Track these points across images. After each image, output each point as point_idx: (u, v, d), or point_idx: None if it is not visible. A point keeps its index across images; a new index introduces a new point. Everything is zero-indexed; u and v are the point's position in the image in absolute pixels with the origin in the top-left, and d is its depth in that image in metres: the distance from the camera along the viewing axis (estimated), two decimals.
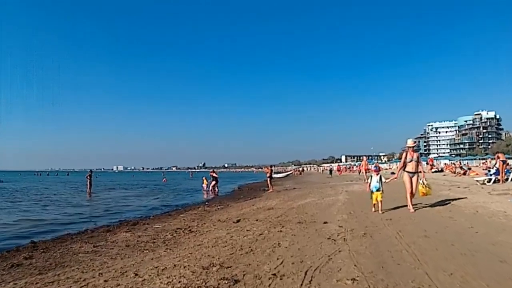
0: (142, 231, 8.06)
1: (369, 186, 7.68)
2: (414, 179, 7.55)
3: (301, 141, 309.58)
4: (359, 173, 31.88)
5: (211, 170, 25.18)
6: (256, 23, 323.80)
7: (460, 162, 30.06)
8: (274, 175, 47.10)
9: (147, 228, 8.52)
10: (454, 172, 21.99)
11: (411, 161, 7.56)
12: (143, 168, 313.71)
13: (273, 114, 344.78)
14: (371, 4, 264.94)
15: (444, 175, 21.41)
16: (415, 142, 7.72)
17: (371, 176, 7.69)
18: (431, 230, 5.54)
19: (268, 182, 19.30)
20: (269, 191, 18.52)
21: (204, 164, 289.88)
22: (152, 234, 7.56)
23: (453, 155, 57.22)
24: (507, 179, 12.95)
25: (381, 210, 7.50)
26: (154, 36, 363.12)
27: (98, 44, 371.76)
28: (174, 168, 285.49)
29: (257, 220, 8.16)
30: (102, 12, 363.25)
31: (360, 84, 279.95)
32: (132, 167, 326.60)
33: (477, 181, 13.70)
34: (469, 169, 21.12)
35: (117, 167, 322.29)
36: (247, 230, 6.81)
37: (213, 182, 22.65)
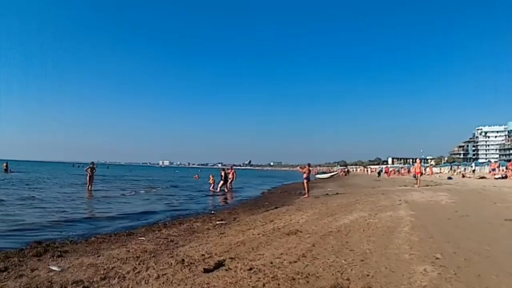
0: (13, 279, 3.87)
1: None
2: None
3: (346, 142, 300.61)
4: (415, 177, 26.37)
5: (228, 167, 20.95)
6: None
7: None
8: (318, 176, 42.27)
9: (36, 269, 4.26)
10: None
11: None
12: (188, 164, 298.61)
13: (318, 113, 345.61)
14: None
15: None
16: None
17: None
18: None
19: (305, 184, 15.15)
20: (305, 196, 14.69)
21: (250, 161, 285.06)
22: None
23: (504, 161, 49.40)
24: None
25: None
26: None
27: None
28: (219, 165, 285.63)
29: (251, 269, 3.60)
30: None
31: (408, 85, 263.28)
32: (178, 162, 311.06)
33: None
34: None
35: (163, 162, 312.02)
36: None
37: (221, 182, 19.02)
